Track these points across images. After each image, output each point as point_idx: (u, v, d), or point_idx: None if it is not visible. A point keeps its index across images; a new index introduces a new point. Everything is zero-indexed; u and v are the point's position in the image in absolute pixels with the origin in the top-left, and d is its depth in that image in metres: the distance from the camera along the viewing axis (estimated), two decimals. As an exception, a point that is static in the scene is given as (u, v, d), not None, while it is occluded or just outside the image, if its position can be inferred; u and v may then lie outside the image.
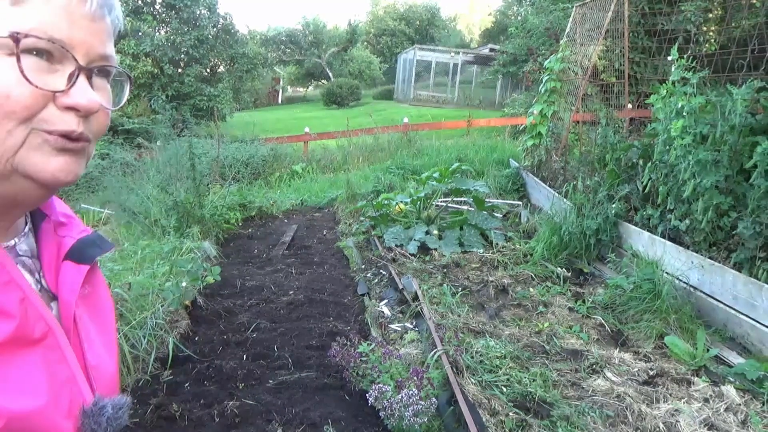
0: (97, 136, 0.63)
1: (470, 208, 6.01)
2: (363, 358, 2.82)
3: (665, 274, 3.67)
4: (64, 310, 0.65)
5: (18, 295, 0.56)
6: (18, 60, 0.53)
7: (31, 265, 0.66)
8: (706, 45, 8.31)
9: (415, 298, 3.79)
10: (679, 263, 3.71)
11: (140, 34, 17.18)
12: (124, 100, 0.67)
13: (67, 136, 0.57)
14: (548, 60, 6.86)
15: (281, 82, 38.48)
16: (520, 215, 6.06)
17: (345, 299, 4.13)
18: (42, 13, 0.55)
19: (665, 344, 3.23)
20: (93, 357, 0.66)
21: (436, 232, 5.26)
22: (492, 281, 4.20)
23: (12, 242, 0.64)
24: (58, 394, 0.58)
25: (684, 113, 3.79)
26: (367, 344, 2.95)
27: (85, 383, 0.62)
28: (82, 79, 0.57)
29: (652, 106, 4.24)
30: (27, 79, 0.53)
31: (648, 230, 4.19)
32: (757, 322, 3.10)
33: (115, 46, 0.65)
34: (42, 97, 0.55)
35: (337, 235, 6.09)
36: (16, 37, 0.53)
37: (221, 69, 20.64)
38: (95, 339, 0.68)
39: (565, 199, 5.19)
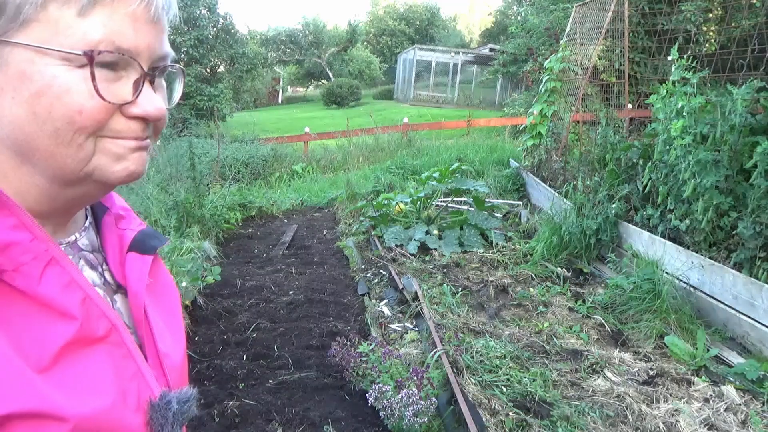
0: (158, 134, 0.63)
1: (470, 208, 6.01)
2: (363, 358, 2.82)
3: (665, 274, 3.67)
4: (134, 301, 0.65)
5: (79, 295, 0.56)
6: (93, 78, 0.52)
7: (93, 260, 0.66)
8: (706, 45, 8.31)
9: (415, 298, 3.79)
10: (679, 263, 3.71)
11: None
12: (178, 94, 0.66)
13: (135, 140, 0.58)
14: (548, 60, 6.85)
15: (281, 82, 38.48)
16: (520, 215, 6.06)
17: (345, 299, 4.14)
18: (109, 22, 0.53)
19: (665, 344, 3.23)
20: (164, 346, 0.66)
21: (436, 232, 5.26)
22: (492, 281, 4.20)
23: (72, 237, 0.64)
24: (126, 390, 0.57)
25: (684, 113, 3.79)
26: (367, 344, 2.95)
27: (152, 376, 0.62)
28: (147, 86, 0.57)
29: (652, 106, 4.24)
30: (101, 96, 0.53)
31: (648, 230, 4.19)
32: (757, 322, 3.10)
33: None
34: (111, 110, 0.55)
35: (337, 235, 6.09)
36: (90, 56, 0.52)
37: (221, 69, 20.65)
38: (163, 327, 0.68)
39: (565, 199, 5.19)
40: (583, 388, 2.82)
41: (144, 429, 0.59)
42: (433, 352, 2.95)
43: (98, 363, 0.56)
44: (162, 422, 0.60)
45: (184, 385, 0.68)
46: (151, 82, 0.58)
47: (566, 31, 7.12)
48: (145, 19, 0.56)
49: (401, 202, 5.78)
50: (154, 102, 0.57)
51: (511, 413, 2.54)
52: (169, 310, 0.72)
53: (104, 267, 0.67)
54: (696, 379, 2.86)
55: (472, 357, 3.03)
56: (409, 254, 4.96)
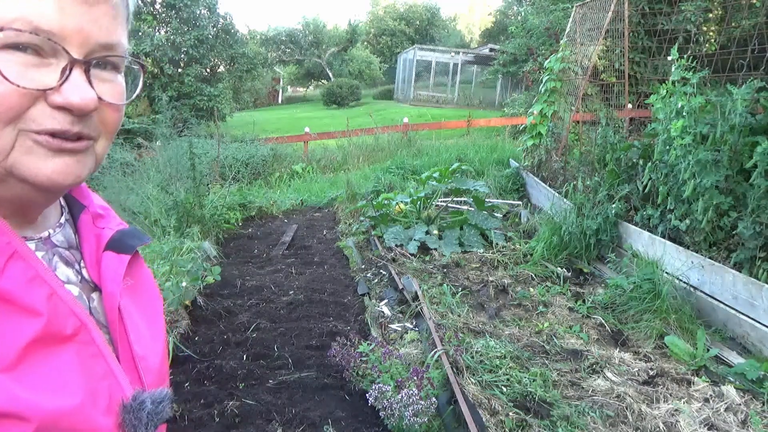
0: (108, 134, 0.58)
1: (470, 208, 6.01)
2: (363, 358, 2.82)
3: (665, 274, 3.67)
4: (108, 301, 0.63)
5: (45, 291, 0.53)
6: None
7: (69, 257, 0.64)
8: (706, 45, 8.31)
9: (415, 298, 3.79)
10: (679, 263, 3.71)
11: (140, 34, 17.19)
12: (137, 92, 0.62)
13: (61, 135, 0.53)
14: (548, 60, 6.85)
15: (281, 82, 38.49)
16: (520, 215, 6.06)
17: (345, 299, 4.13)
18: (27, 0, 0.49)
19: (665, 344, 3.23)
20: (140, 348, 0.64)
21: (436, 232, 5.26)
22: (492, 281, 4.20)
23: (46, 233, 0.62)
24: (96, 391, 0.55)
25: (684, 113, 3.79)
26: (367, 344, 2.95)
27: (125, 377, 0.60)
28: (76, 74, 0.52)
29: (652, 106, 4.24)
30: (6, 78, 0.49)
31: (648, 230, 4.19)
32: (757, 322, 3.10)
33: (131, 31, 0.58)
34: (29, 96, 0.50)
35: (337, 235, 6.09)
36: None
37: (221, 69, 20.66)
38: (142, 329, 0.66)
39: (565, 199, 5.19)
40: (583, 388, 2.82)
41: (116, 431, 0.57)
42: (433, 352, 2.95)
43: (66, 362, 0.53)
44: (135, 423, 0.58)
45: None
46: (86, 71, 0.53)
47: (566, 31, 7.12)
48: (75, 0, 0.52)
49: (401, 202, 5.78)
50: (81, 92, 0.52)
51: (511, 413, 2.54)
52: (150, 312, 0.70)
53: (81, 265, 0.65)
54: (696, 379, 2.86)
55: (472, 357, 3.03)
56: (409, 254, 4.96)
